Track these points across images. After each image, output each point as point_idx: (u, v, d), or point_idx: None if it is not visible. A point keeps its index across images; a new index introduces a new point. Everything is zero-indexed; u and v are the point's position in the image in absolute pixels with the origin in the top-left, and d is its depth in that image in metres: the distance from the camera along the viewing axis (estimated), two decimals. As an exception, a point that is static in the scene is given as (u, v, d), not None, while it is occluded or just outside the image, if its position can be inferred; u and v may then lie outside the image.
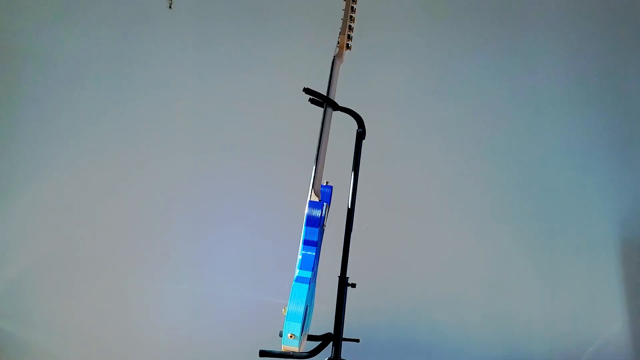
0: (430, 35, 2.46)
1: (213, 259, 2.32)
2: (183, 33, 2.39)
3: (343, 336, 1.56)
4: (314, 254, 1.51)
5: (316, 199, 1.59)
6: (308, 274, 1.48)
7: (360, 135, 1.65)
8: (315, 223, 1.52)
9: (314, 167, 1.59)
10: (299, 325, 1.40)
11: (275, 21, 2.40)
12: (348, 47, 1.68)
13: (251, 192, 2.34)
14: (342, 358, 1.54)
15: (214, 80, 2.39)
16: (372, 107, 2.39)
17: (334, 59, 1.67)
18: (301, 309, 1.41)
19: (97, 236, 2.30)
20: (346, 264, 1.57)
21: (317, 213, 1.52)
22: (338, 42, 1.68)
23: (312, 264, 1.50)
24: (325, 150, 1.61)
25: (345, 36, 1.67)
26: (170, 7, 2.38)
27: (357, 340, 1.56)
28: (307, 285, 1.45)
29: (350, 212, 1.60)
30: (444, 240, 2.37)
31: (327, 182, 1.64)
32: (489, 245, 2.37)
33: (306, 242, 1.52)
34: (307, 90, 1.57)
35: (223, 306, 2.30)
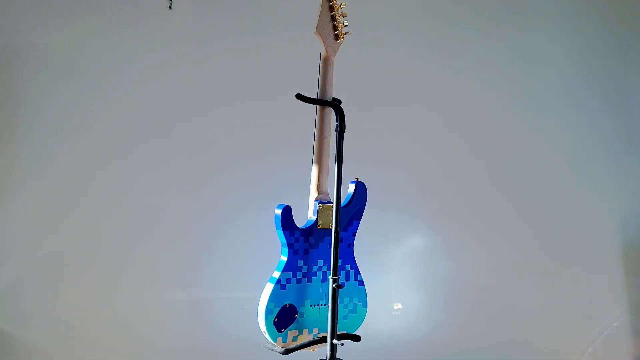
0: (431, 33, 2.46)
1: (213, 259, 2.32)
2: (183, 33, 2.39)
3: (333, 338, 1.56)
4: (286, 256, 1.57)
5: (319, 198, 1.59)
6: (277, 274, 1.56)
7: (339, 129, 1.59)
8: (277, 225, 1.58)
9: (314, 166, 1.58)
10: (264, 321, 1.52)
11: (276, 20, 2.40)
12: (337, 37, 1.62)
13: (251, 192, 2.34)
14: (338, 358, 1.53)
15: (214, 80, 2.39)
16: (373, 105, 2.40)
17: (320, 57, 1.64)
18: (263, 307, 1.53)
19: (97, 237, 2.30)
20: (337, 264, 1.53)
21: (277, 214, 1.57)
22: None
23: (282, 266, 1.56)
24: (327, 147, 1.60)
25: (329, 28, 1.62)
26: (170, 7, 2.38)
27: (342, 344, 1.55)
28: (273, 285, 1.54)
29: (337, 208, 1.55)
30: (443, 240, 2.37)
31: (357, 179, 1.65)
32: (488, 245, 2.37)
33: (281, 244, 1.60)
34: (299, 96, 1.57)
35: (223, 306, 2.30)
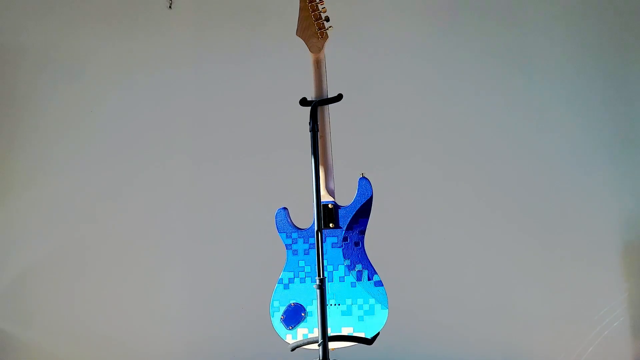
0: (432, 35, 2.46)
1: (213, 259, 2.32)
2: (183, 33, 2.39)
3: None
4: (288, 257, 1.60)
5: (329, 199, 1.58)
6: (281, 274, 1.60)
7: (311, 128, 1.56)
8: (276, 227, 1.62)
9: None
10: (271, 318, 1.59)
11: (275, 20, 2.40)
12: (322, 35, 1.62)
13: (251, 191, 2.34)
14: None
15: (214, 79, 2.39)
16: (374, 107, 2.40)
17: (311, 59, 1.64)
18: (270, 305, 1.60)
19: (97, 236, 2.30)
20: (320, 263, 1.50)
21: (275, 215, 1.62)
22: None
23: (285, 266, 1.60)
24: (329, 146, 1.59)
25: (310, 28, 1.62)
26: (170, 7, 2.38)
27: (319, 345, 1.52)
28: (277, 284, 1.60)
29: (318, 208, 1.51)
30: (444, 241, 2.37)
31: (362, 174, 1.60)
32: (490, 245, 2.37)
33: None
34: (303, 101, 1.58)
35: (223, 305, 2.30)
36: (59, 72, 2.35)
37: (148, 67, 2.37)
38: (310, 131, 1.54)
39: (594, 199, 2.40)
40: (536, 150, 2.43)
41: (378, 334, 1.57)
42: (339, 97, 1.59)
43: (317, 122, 1.55)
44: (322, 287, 1.47)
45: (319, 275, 1.48)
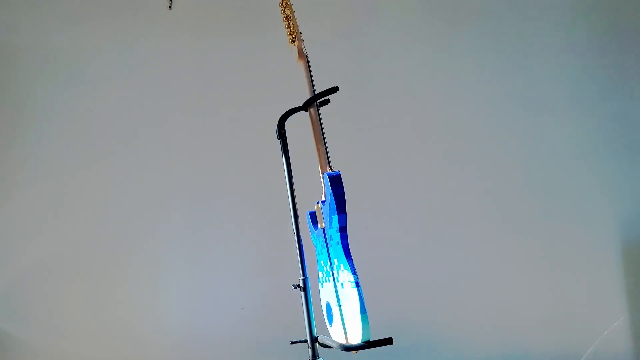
0: (430, 33, 2.46)
1: (213, 259, 2.32)
2: (183, 33, 2.39)
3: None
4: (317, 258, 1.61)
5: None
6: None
7: (277, 135, 1.61)
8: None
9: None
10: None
11: (276, 21, 2.40)
12: (294, 40, 1.68)
13: (251, 191, 2.34)
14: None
15: (214, 80, 2.39)
16: (372, 107, 2.40)
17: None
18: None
19: (97, 236, 2.30)
20: (304, 265, 1.52)
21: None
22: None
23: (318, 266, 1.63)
24: (325, 147, 1.60)
25: (292, 37, 1.68)
26: (170, 7, 2.38)
27: (308, 342, 1.54)
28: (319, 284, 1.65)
29: (294, 212, 1.55)
30: (444, 240, 2.37)
31: (331, 169, 1.54)
32: (489, 245, 2.37)
33: None
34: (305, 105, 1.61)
35: (223, 306, 2.30)
36: (58, 71, 2.35)
37: (148, 67, 2.37)
38: (278, 138, 1.59)
39: (593, 198, 2.40)
40: (535, 150, 2.43)
41: (372, 342, 1.40)
42: (333, 90, 1.56)
43: (281, 128, 1.60)
44: (304, 288, 1.51)
45: (302, 276, 1.52)
